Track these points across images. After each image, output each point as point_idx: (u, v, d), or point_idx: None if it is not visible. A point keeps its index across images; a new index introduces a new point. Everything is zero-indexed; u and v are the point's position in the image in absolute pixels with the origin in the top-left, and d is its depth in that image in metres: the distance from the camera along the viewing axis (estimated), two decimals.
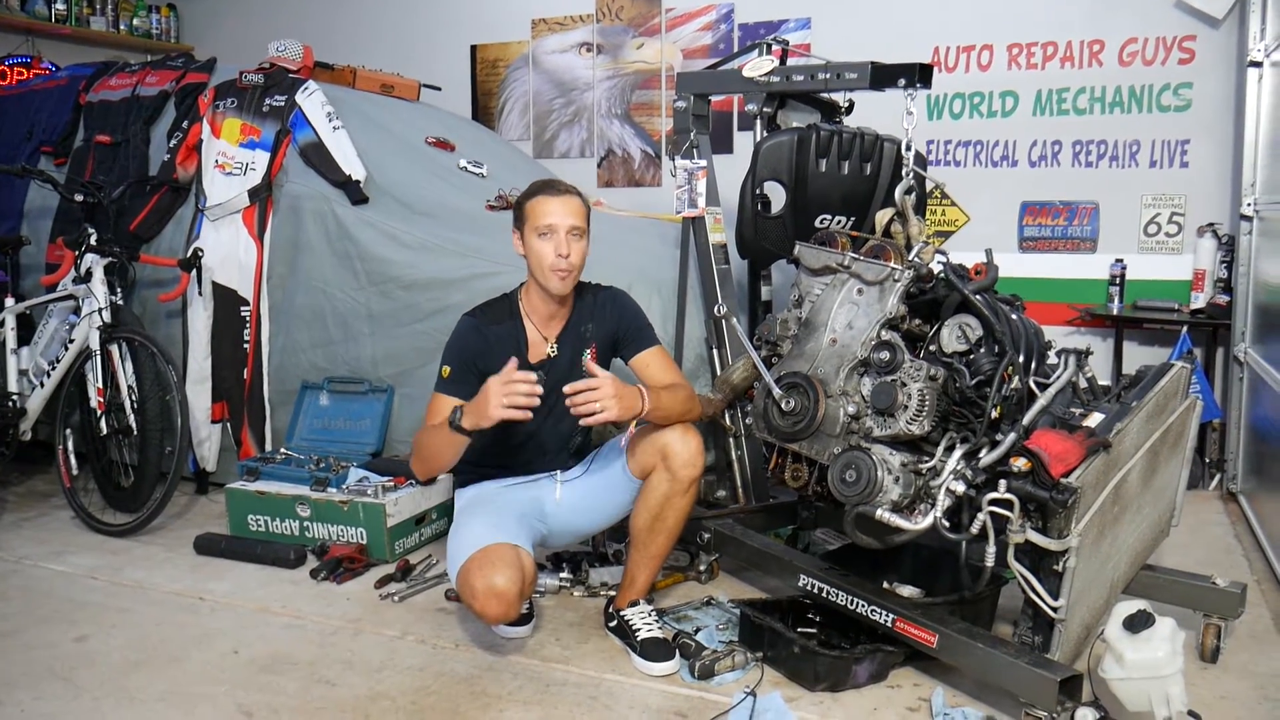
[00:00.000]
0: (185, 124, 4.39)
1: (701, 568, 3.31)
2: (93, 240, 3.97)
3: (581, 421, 2.54)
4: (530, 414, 2.50)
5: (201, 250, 4.13)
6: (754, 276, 3.96)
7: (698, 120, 3.77)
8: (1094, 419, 2.47)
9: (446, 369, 2.73)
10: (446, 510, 3.70)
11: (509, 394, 2.45)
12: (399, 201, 4.15)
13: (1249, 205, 4.15)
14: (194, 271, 4.09)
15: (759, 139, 3.63)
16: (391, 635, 2.94)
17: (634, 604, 2.84)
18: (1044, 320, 3.40)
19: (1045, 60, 4.82)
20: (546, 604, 3.15)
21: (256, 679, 2.68)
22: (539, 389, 2.49)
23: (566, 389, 2.53)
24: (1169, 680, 2.23)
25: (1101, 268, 4.72)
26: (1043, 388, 2.62)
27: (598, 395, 2.50)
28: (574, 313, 2.87)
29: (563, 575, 3.25)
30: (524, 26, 5.98)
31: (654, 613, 2.85)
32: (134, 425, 3.84)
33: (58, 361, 3.99)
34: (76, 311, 3.98)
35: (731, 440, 3.61)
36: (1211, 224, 4.50)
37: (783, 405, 2.76)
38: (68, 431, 4.01)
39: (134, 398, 3.85)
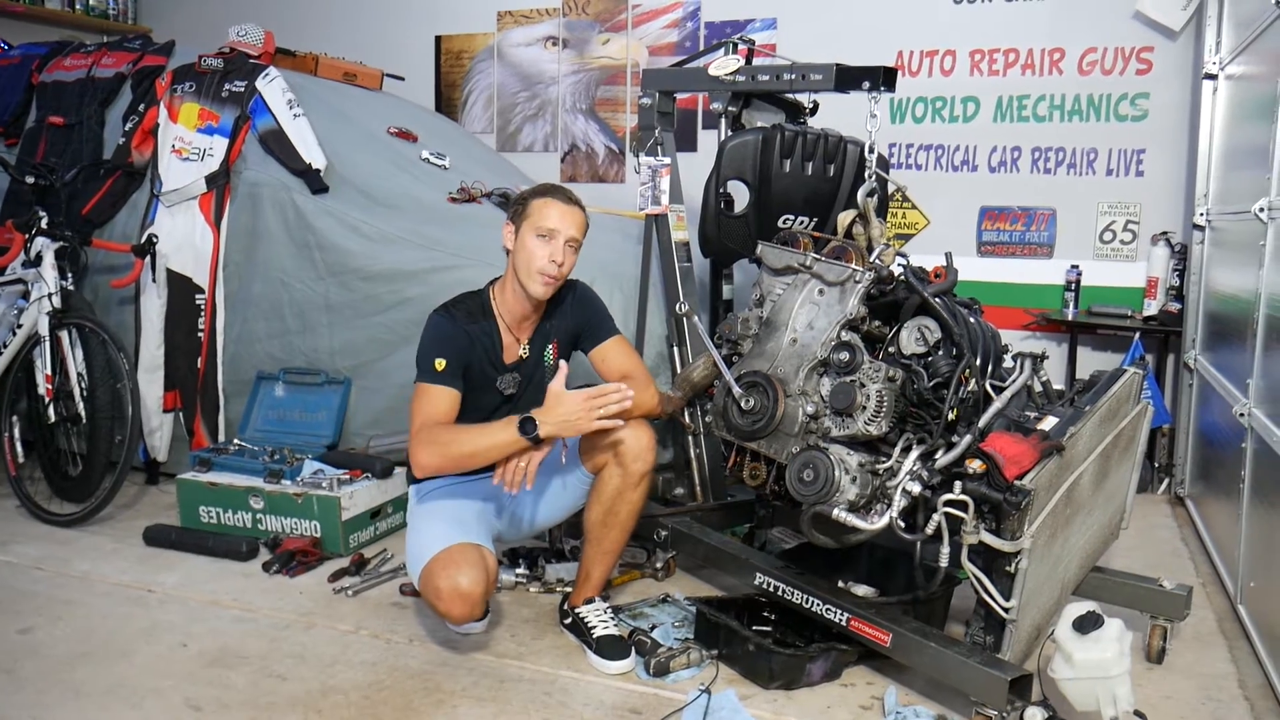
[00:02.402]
0: (142, 107, 4.32)
1: (658, 565, 3.31)
2: (44, 224, 3.89)
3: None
4: (622, 421, 2.58)
5: (156, 236, 4.06)
6: (716, 275, 3.97)
7: (662, 117, 3.77)
8: (1048, 422, 2.50)
9: (441, 361, 2.65)
10: (402, 504, 3.67)
11: (604, 403, 2.52)
12: (360, 191, 4.11)
13: (1201, 215, 4.22)
14: (148, 258, 4.02)
15: (723, 138, 3.63)
16: (345, 630, 2.92)
17: (589, 601, 2.84)
18: (1001, 324, 3.44)
19: (1007, 67, 4.87)
20: (502, 600, 3.13)
21: (205, 673, 2.64)
22: (630, 394, 2.56)
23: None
24: (1116, 680, 2.27)
25: (1058, 273, 4.79)
26: (999, 391, 2.65)
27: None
28: (545, 311, 2.86)
29: (519, 571, 3.24)
30: (489, 18, 5.94)
31: (609, 610, 2.84)
32: (83, 413, 3.77)
33: (4, 347, 3.90)
34: (25, 296, 3.89)
35: (690, 438, 3.62)
36: (1165, 233, 4.57)
37: (742, 404, 2.77)
38: (14, 418, 3.93)
39: (83, 385, 3.78)
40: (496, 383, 2.79)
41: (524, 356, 2.83)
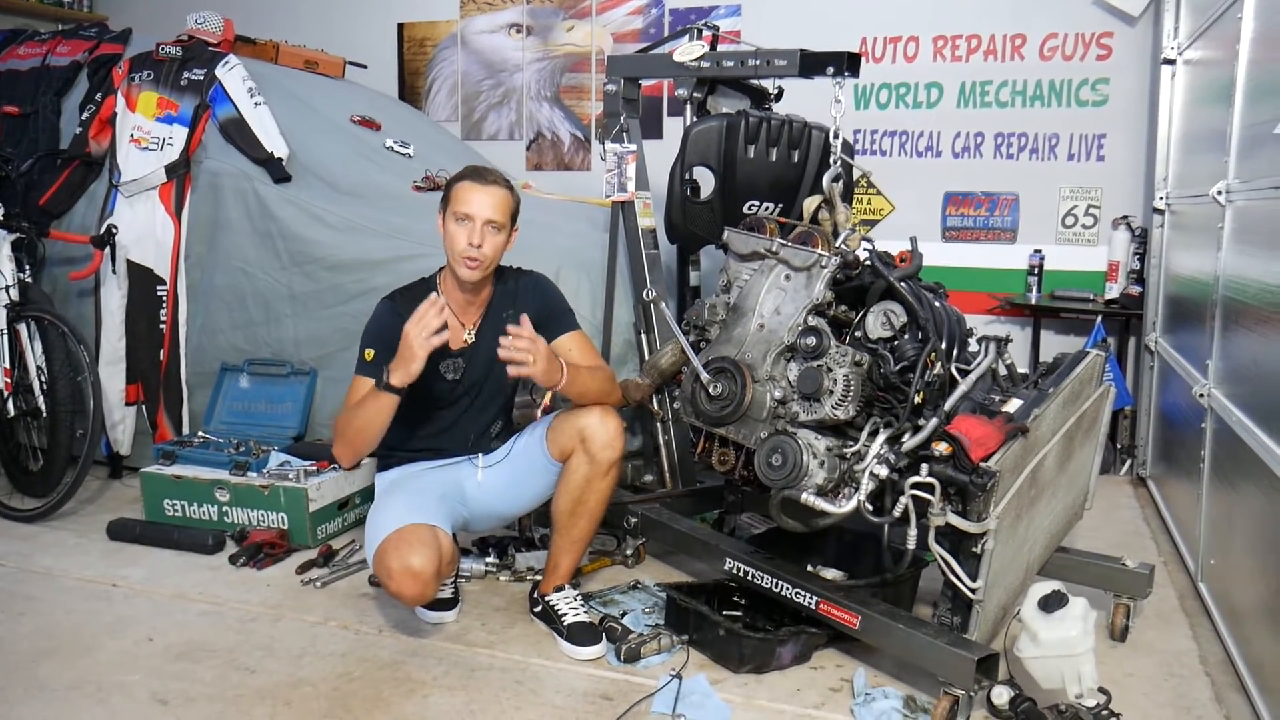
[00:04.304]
0: (98, 96, 4.25)
1: (628, 552, 3.31)
2: None
3: (510, 370, 2.56)
4: (447, 335, 2.55)
5: (115, 227, 4.00)
6: (683, 261, 3.97)
7: (628, 104, 3.76)
8: (1013, 405, 2.53)
9: (370, 352, 2.69)
10: (370, 495, 3.62)
11: (422, 325, 2.50)
12: (323, 180, 4.07)
13: (1161, 199, 4.27)
14: (107, 249, 3.97)
15: (689, 124, 3.63)
16: (313, 621, 2.90)
17: (559, 589, 2.84)
18: (966, 308, 3.47)
19: (969, 53, 4.90)
20: (472, 589, 3.13)
21: (172, 667, 2.62)
22: (442, 301, 2.55)
23: (509, 328, 2.54)
24: (1081, 658, 2.30)
25: (1021, 258, 4.83)
26: (964, 374, 2.67)
27: (527, 348, 2.52)
28: (494, 299, 2.84)
29: (489, 560, 3.24)
30: (452, 5, 5.90)
31: (579, 597, 2.84)
32: (43, 407, 3.72)
33: None
34: None
35: (659, 425, 3.62)
36: (1125, 217, 4.63)
37: (710, 390, 2.77)
38: None
39: (43, 379, 3.73)
40: (439, 367, 2.78)
41: (469, 342, 2.82)
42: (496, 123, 5.91)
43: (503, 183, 2.76)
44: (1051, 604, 2.37)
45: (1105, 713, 2.30)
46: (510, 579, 3.20)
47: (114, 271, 4.04)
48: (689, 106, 3.75)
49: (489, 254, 2.70)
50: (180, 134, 4.08)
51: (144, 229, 4.05)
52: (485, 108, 5.92)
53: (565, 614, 2.76)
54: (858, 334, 2.74)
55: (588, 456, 2.73)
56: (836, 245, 2.79)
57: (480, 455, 2.93)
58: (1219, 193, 3.06)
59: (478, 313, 2.83)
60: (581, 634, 2.71)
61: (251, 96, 4.11)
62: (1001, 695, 2.29)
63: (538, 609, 2.86)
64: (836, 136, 3.14)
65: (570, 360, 2.83)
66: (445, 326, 2.55)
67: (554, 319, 2.86)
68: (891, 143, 5.07)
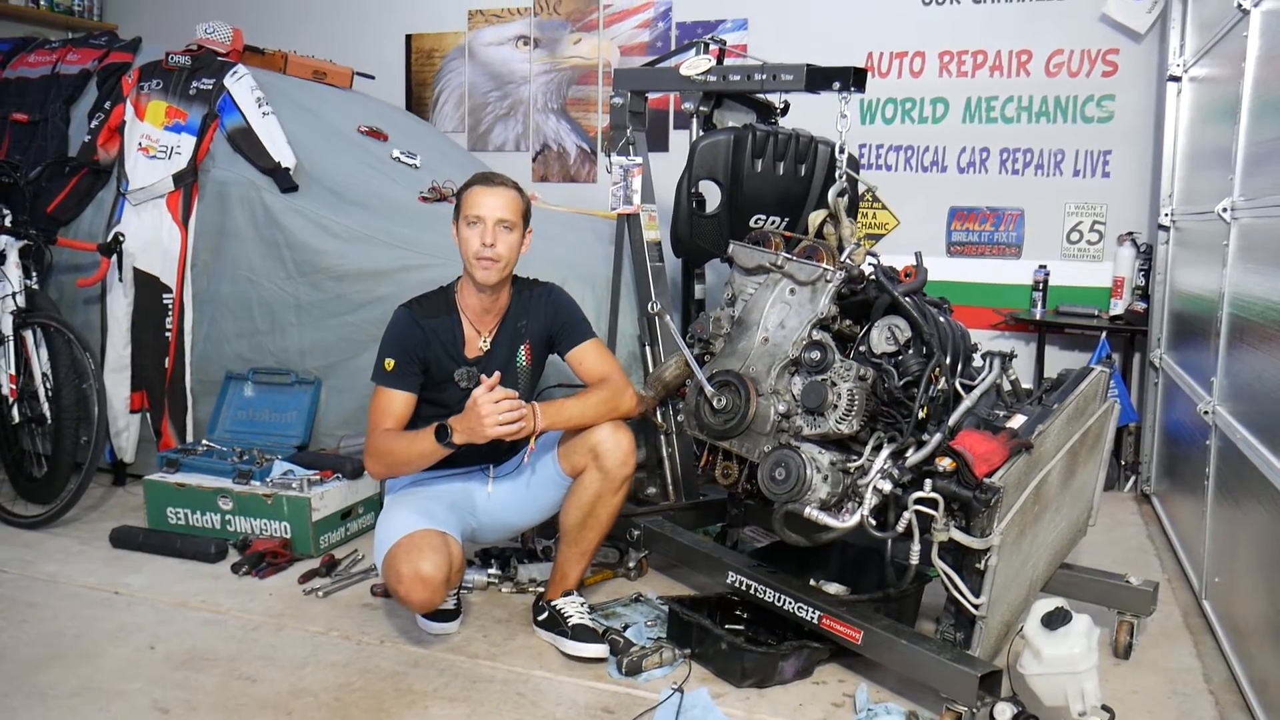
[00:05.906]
0: (107, 105, 4.27)
1: (631, 564, 3.31)
2: (7, 222, 3.84)
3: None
4: (523, 427, 2.57)
5: (123, 235, 4.02)
6: (688, 275, 3.97)
7: (634, 117, 3.76)
8: (1017, 420, 2.52)
9: (390, 362, 2.71)
10: (374, 505, 3.66)
11: (501, 414, 2.53)
12: (330, 190, 4.08)
13: (1166, 215, 4.27)
14: (114, 256, 3.98)
15: (695, 138, 3.64)
16: (315, 631, 2.90)
17: (566, 594, 2.85)
18: (970, 323, 3.47)
19: (975, 69, 4.91)
20: (474, 600, 3.12)
21: (174, 675, 2.62)
22: (520, 402, 2.58)
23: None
24: (1084, 676, 2.30)
25: (1026, 273, 4.83)
26: (968, 389, 2.66)
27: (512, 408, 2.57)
28: (509, 309, 2.86)
29: (491, 571, 3.24)
30: (460, 17, 5.92)
31: (585, 604, 2.85)
32: (48, 414, 3.73)
33: None
34: None
35: (663, 437, 3.62)
36: (1131, 233, 4.63)
37: (714, 403, 2.77)
38: None
39: (48, 385, 3.73)
40: (453, 375, 2.79)
41: (485, 350, 2.83)
42: (503, 134, 5.92)
43: (510, 184, 2.80)
44: (1055, 621, 2.36)
45: None
46: (512, 590, 3.20)
47: (120, 279, 4.05)
48: (695, 120, 3.76)
49: (503, 253, 2.72)
50: (188, 143, 4.10)
51: (151, 237, 4.07)
52: (492, 119, 5.94)
53: (570, 616, 2.78)
54: (862, 348, 2.74)
55: (601, 473, 2.74)
56: (841, 260, 2.79)
57: (491, 466, 2.94)
58: (1224, 210, 3.07)
59: (494, 321, 2.85)
60: (584, 633, 2.72)
61: (259, 106, 4.12)
62: (1004, 712, 2.28)
63: (542, 616, 2.86)
64: (842, 151, 3.14)
65: (584, 371, 2.86)
66: (521, 420, 2.58)
67: (568, 329, 2.88)
68: (897, 157, 5.08)
